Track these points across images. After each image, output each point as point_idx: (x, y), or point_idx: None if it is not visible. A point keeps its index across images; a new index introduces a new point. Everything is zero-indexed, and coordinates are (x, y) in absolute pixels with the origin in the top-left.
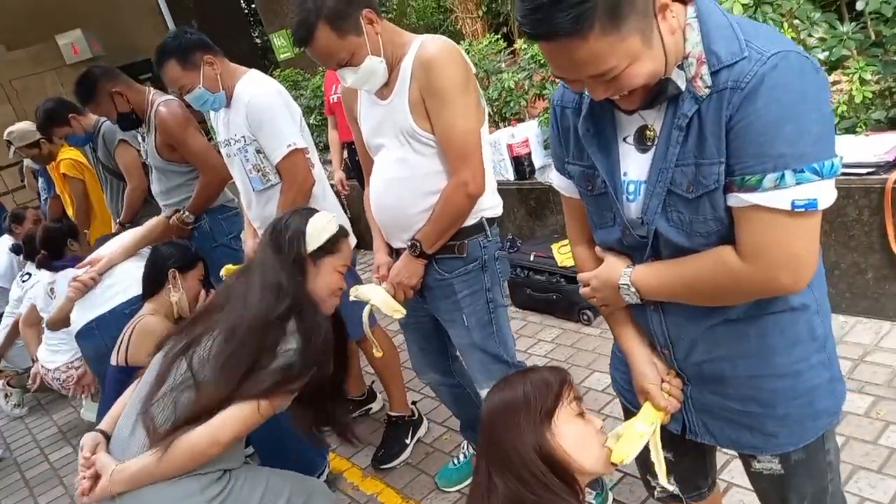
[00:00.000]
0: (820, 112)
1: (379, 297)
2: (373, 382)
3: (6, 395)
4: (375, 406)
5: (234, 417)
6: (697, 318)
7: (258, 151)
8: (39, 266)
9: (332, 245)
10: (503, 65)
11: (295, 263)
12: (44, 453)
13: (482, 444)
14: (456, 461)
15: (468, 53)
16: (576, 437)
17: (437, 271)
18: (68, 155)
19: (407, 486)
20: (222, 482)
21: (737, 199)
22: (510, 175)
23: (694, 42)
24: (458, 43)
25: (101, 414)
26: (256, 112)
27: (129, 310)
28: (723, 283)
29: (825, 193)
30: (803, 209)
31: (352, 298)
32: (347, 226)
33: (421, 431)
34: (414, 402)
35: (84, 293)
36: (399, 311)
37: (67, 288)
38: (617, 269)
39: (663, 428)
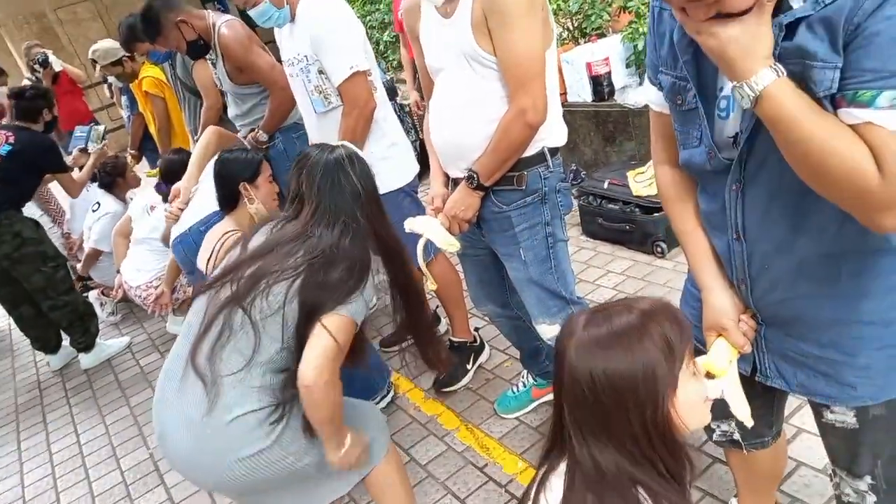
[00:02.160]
0: None
1: (433, 231)
2: (437, 307)
3: (101, 304)
4: (440, 329)
5: (315, 353)
6: (787, 249)
7: (320, 72)
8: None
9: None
10: None
11: (377, 197)
12: (135, 358)
13: (571, 401)
14: (515, 389)
15: None
16: (690, 402)
17: (494, 203)
18: (149, 73)
19: (466, 409)
20: (278, 412)
21: (849, 115)
22: (588, 96)
23: None
24: None
25: None
26: (318, 31)
27: (203, 227)
28: (849, 170)
29: None
30: None
31: (407, 230)
32: (410, 150)
33: (482, 358)
34: (476, 329)
35: (176, 221)
36: (453, 245)
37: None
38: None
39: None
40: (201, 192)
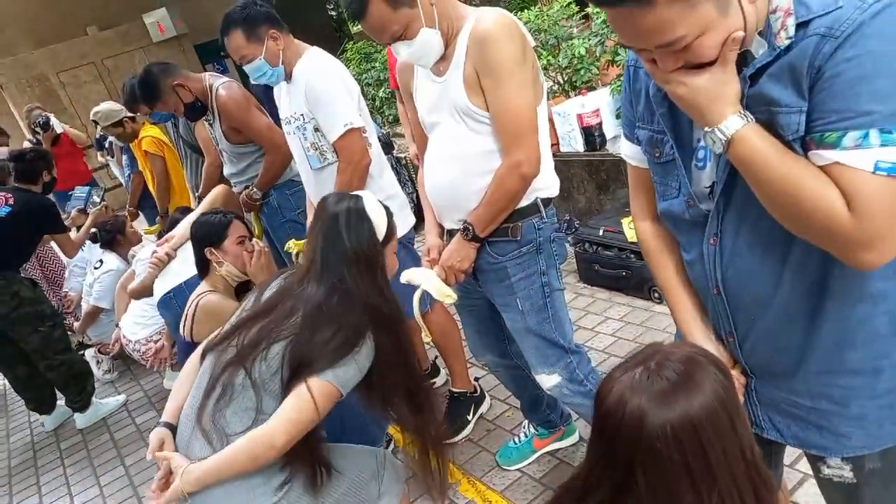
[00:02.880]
0: None
1: (430, 282)
2: (436, 357)
3: (98, 362)
4: (439, 381)
5: (287, 413)
6: (769, 301)
7: (316, 129)
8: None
9: (391, 230)
10: (575, 30)
11: (369, 260)
12: (131, 416)
13: (653, 468)
14: (517, 440)
15: (539, 19)
16: None
17: (489, 254)
18: (149, 133)
19: (468, 462)
20: (286, 471)
21: (818, 157)
22: (580, 146)
23: None
24: (530, 8)
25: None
26: (314, 90)
27: (188, 289)
28: (821, 211)
29: None
30: (886, 173)
31: (403, 282)
32: (406, 203)
33: (483, 408)
34: (477, 379)
35: (162, 267)
36: (450, 297)
37: (147, 264)
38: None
39: None
40: (190, 253)
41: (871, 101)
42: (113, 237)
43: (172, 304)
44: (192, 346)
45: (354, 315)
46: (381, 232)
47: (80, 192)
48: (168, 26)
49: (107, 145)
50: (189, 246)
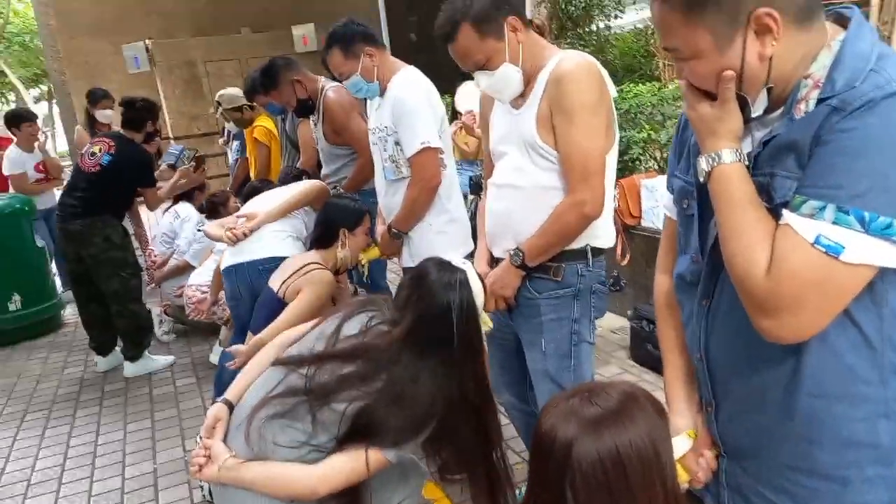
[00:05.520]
0: None
1: None
2: None
3: (161, 322)
4: None
5: (338, 470)
6: (746, 375)
7: (396, 143)
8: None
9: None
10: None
11: (472, 352)
12: (173, 377)
13: (582, 491)
14: (520, 492)
15: (654, 94)
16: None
17: (527, 289)
18: (263, 123)
19: (465, 502)
20: None
21: (782, 215)
22: (661, 224)
23: (822, 65)
24: (650, 82)
25: (234, 340)
26: (400, 106)
27: (262, 266)
28: (744, 261)
29: (859, 249)
30: (824, 250)
31: None
32: (468, 230)
33: (503, 448)
34: None
35: (235, 243)
36: (486, 324)
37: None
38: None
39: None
40: (270, 232)
41: (844, 177)
42: (215, 208)
43: (232, 277)
44: (279, 302)
45: (437, 401)
46: (480, 309)
47: (173, 148)
48: (311, 40)
49: (225, 135)
50: (265, 230)
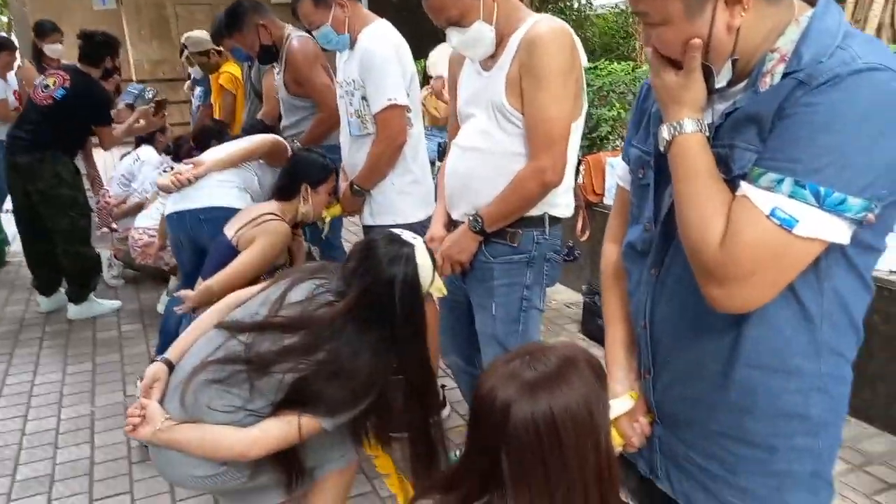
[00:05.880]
0: (880, 148)
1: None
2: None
3: (110, 265)
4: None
5: (271, 435)
6: (686, 346)
7: (363, 98)
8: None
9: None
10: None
11: (416, 331)
12: (119, 323)
13: (515, 451)
14: (457, 453)
15: (628, 73)
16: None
17: (483, 253)
18: (229, 69)
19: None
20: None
21: (740, 186)
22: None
23: (789, 39)
24: (628, 62)
25: (179, 287)
26: (369, 59)
27: (203, 216)
28: (698, 230)
29: (812, 223)
30: (778, 223)
31: None
32: (432, 193)
33: (441, 415)
34: (443, 386)
35: (179, 189)
36: (440, 291)
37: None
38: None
39: (634, 468)
40: (216, 182)
41: (804, 151)
42: (181, 148)
43: (174, 224)
44: (232, 249)
45: (377, 377)
46: (426, 285)
47: (133, 87)
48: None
49: (190, 81)
50: (209, 178)
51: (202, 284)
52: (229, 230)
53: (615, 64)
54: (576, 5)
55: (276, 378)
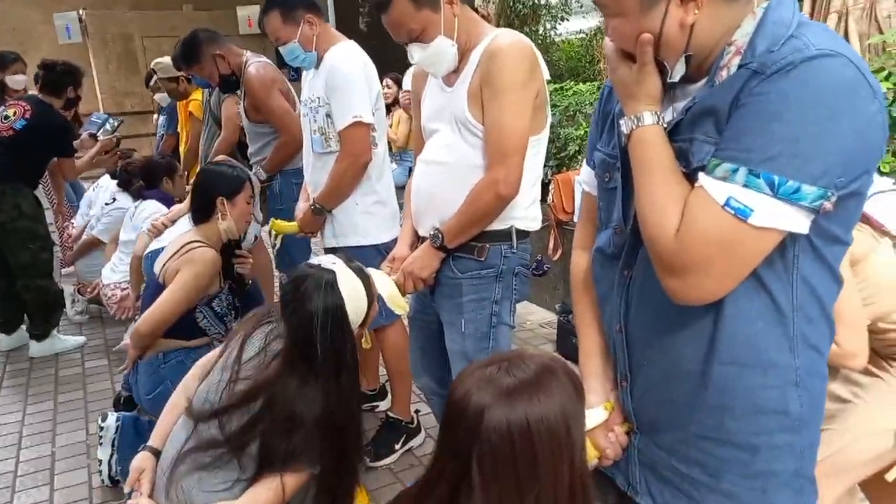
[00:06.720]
0: (832, 135)
1: (385, 288)
2: (387, 381)
3: (73, 301)
4: (383, 405)
5: (260, 501)
6: (662, 347)
7: (328, 115)
8: (132, 193)
9: (371, 302)
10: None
11: (338, 363)
12: (83, 359)
13: (488, 459)
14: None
15: (594, 93)
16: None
17: (450, 268)
18: (198, 97)
19: (379, 489)
20: None
21: (698, 178)
22: None
23: (745, 31)
24: (594, 82)
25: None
26: (334, 77)
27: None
28: (656, 222)
29: (767, 212)
30: (733, 212)
31: None
32: (397, 215)
33: (414, 442)
34: (417, 412)
35: (157, 235)
36: (401, 307)
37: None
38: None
39: (613, 484)
40: (187, 219)
41: (757, 140)
42: (129, 180)
43: (148, 263)
44: (160, 287)
45: (311, 419)
46: (359, 318)
47: (96, 117)
48: (257, 23)
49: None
50: (184, 219)
51: (132, 328)
52: (157, 265)
53: (581, 85)
54: (541, 31)
55: (255, 446)
